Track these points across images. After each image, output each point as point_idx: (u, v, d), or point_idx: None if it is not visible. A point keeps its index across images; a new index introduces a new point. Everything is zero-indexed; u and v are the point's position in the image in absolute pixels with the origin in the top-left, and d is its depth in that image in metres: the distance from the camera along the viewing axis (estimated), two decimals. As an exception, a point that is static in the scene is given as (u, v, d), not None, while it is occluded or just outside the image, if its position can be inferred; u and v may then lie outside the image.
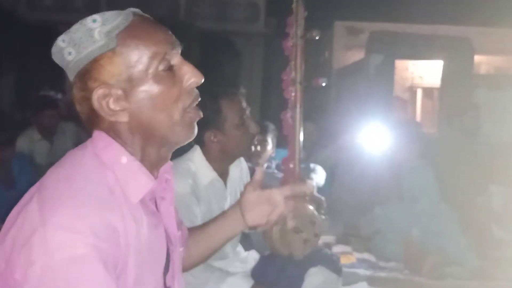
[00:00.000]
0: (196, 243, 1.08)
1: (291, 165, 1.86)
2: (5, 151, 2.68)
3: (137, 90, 0.78)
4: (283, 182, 1.96)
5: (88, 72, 0.77)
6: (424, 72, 7.97)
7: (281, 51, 1.86)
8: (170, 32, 0.83)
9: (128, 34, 0.77)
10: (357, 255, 3.21)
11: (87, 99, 0.78)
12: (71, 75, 0.79)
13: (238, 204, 1.07)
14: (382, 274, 2.92)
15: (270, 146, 2.76)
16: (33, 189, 0.77)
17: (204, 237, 1.09)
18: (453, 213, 3.17)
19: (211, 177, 1.69)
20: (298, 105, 1.83)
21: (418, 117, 7.87)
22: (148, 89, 0.78)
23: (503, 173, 3.65)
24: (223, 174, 1.77)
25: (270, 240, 1.80)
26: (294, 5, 1.80)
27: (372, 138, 3.77)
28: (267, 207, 1.05)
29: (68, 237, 0.68)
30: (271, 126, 2.72)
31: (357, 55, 7.38)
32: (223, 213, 1.13)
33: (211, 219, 1.15)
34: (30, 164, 3.10)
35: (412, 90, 8.20)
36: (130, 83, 0.78)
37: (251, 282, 1.70)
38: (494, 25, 7.91)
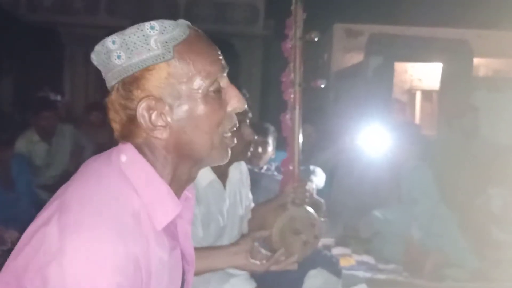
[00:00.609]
0: None
1: (291, 167, 1.86)
2: (4, 152, 2.68)
3: (183, 107, 0.74)
4: (282, 184, 1.96)
5: (136, 80, 0.73)
6: (423, 75, 7.98)
7: (280, 53, 1.86)
8: (220, 53, 0.80)
9: (185, 48, 0.74)
10: (357, 257, 3.21)
11: (128, 108, 0.74)
12: (113, 80, 0.75)
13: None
14: (382, 276, 2.92)
15: (271, 148, 2.77)
16: (53, 207, 0.71)
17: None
18: (453, 215, 3.17)
19: (210, 178, 1.69)
20: (297, 107, 1.83)
21: (417, 120, 7.87)
22: (195, 108, 0.75)
23: (503, 175, 3.65)
24: (223, 176, 1.76)
25: (270, 242, 1.79)
26: (293, 7, 1.80)
27: (371, 140, 3.77)
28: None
29: (88, 272, 0.63)
30: (272, 128, 2.73)
31: (356, 58, 7.38)
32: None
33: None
34: (29, 166, 3.10)
35: (411, 92, 8.20)
36: (178, 100, 0.74)
37: (253, 284, 1.69)
38: (492, 28, 7.92)
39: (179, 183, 0.79)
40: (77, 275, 0.63)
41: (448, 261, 2.95)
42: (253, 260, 1.29)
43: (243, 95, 1.80)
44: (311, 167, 3.26)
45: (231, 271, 1.68)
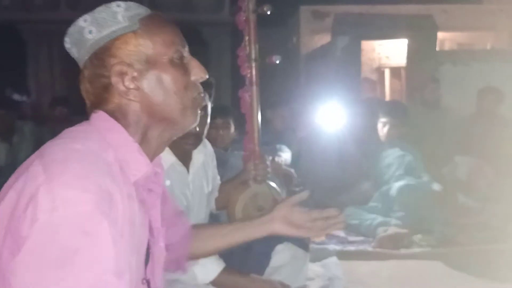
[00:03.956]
0: (208, 238, 1.15)
1: (251, 144, 1.86)
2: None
3: (152, 72, 0.82)
4: (245, 159, 1.95)
5: (107, 49, 0.81)
6: (391, 52, 8.03)
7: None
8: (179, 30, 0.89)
9: (148, 21, 0.83)
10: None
11: (101, 76, 0.81)
12: (86, 55, 0.82)
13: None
14: (352, 248, 2.96)
15: (232, 128, 2.78)
16: (31, 158, 0.75)
17: (219, 233, 1.16)
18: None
19: (171, 161, 1.66)
20: (254, 83, 1.82)
21: (388, 97, 7.96)
22: (162, 72, 0.83)
23: (468, 144, 3.75)
24: (186, 159, 1.74)
25: (234, 219, 1.80)
26: (244, -21, 1.79)
27: (340, 119, 3.81)
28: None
29: (75, 194, 0.67)
30: (231, 108, 2.73)
31: (325, 39, 7.39)
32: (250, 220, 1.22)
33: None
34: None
35: (380, 70, 8.26)
36: (147, 65, 0.82)
37: (222, 265, 1.69)
38: (456, 2, 8.03)
39: (149, 147, 0.85)
40: (64, 197, 0.67)
41: (416, 228, 3.02)
42: (291, 225, 1.20)
43: (210, 81, 1.76)
44: (277, 146, 3.28)
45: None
